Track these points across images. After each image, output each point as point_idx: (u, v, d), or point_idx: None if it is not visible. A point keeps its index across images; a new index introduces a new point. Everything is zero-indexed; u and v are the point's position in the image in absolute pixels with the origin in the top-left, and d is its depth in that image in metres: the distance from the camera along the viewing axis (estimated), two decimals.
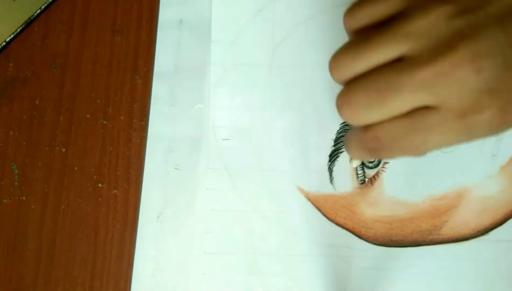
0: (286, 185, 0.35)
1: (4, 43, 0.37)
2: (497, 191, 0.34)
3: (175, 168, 0.35)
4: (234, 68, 0.37)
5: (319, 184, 0.35)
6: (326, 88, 0.36)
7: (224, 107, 0.36)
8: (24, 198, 0.35)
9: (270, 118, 0.36)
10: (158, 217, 0.35)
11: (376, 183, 0.35)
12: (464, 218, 0.34)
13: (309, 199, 0.35)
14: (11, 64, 0.37)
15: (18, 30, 0.38)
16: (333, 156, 0.35)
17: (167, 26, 0.38)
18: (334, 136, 0.35)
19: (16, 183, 0.36)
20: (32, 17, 0.38)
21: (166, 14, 0.38)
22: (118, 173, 0.36)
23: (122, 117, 0.36)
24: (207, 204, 0.35)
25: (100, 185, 0.36)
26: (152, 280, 0.34)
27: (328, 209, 0.35)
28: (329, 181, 0.35)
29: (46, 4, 0.38)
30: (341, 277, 0.34)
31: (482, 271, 0.33)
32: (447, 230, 0.34)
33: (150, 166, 0.35)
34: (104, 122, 0.36)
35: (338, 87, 0.35)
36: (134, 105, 0.37)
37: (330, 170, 0.35)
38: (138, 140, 0.36)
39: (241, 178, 0.35)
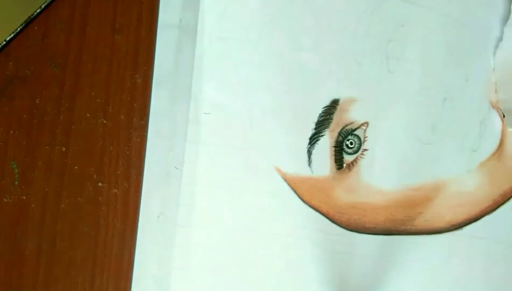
0: (264, 164, 0.35)
1: (4, 42, 0.37)
2: (475, 186, 0.34)
3: (175, 167, 0.35)
4: (220, 41, 0.37)
5: (297, 166, 0.35)
6: (312, 71, 0.36)
7: (207, 80, 0.36)
8: (24, 197, 0.35)
9: (252, 96, 0.36)
10: (158, 217, 0.35)
11: (354, 169, 0.35)
12: (439, 211, 0.34)
13: (286, 180, 0.35)
14: (11, 63, 0.37)
15: (18, 29, 0.38)
16: (313, 139, 0.35)
17: (167, 25, 0.38)
18: (316, 119, 0.35)
19: (16, 182, 0.36)
20: (32, 16, 0.38)
21: (166, 13, 0.38)
22: (118, 172, 0.36)
23: (122, 117, 0.36)
24: (182, 178, 0.35)
25: (100, 184, 0.35)
26: (153, 279, 0.34)
27: (304, 191, 0.35)
28: (307, 163, 0.35)
29: (46, 3, 0.38)
30: (311, 259, 0.34)
31: (453, 266, 0.34)
32: (421, 222, 0.34)
33: (150, 165, 0.35)
34: (104, 121, 0.36)
35: (325, 71, 0.35)
36: (134, 105, 0.37)
37: (309, 153, 0.35)
38: (138, 140, 0.36)
39: (219, 154, 0.35)
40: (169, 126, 0.36)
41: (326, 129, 0.35)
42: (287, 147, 0.35)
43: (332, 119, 0.35)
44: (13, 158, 0.36)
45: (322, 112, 0.35)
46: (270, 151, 0.35)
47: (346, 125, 0.35)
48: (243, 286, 0.34)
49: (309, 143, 0.35)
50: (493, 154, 0.35)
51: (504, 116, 0.35)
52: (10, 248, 0.35)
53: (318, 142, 0.35)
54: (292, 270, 0.34)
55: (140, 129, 0.36)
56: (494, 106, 0.35)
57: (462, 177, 0.35)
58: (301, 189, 0.35)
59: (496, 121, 0.35)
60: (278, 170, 0.35)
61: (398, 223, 0.34)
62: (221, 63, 0.36)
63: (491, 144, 0.35)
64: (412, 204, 0.34)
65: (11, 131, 0.36)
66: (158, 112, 0.36)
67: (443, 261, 0.34)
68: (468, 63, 0.36)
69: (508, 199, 0.34)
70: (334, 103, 0.35)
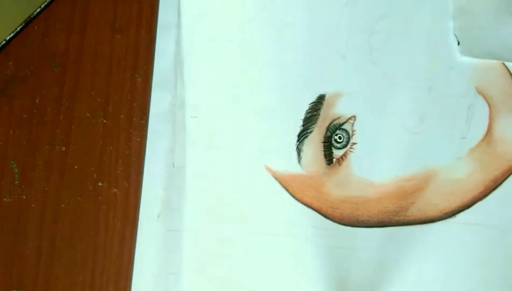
0: (253, 164, 0.35)
1: (4, 42, 0.37)
2: (466, 173, 0.34)
3: (175, 167, 0.35)
4: (204, 43, 0.36)
5: (287, 164, 0.35)
6: (297, 67, 0.36)
7: (193, 83, 0.36)
8: (24, 197, 0.35)
9: (239, 96, 0.36)
10: (158, 216, 0.35)
11: (344, 163, 0.35)
12: (432, 200, 0.34)
13: (276, 178, 0.35)
14: (11, 63, 0.37)
15: (18, 28, 0.38)
16: (302, 136, 0.35)
17: (167, 25, 0.38)
18: (303, 116, 0.35)
19: (16, 182, 0.36)
20: (32, 16, 0.38)
21: (166, 13, 0.38)
22: (118, 171, 0.36)
23: (122, 116, 0.36)
24: (172, 180, 0.35)
25: (100, 183, 0.35)
26: (152, 279, 0.34)
27: (296, 188, 0.35)
28: (297, 160, 0.35)
29: (46, 3, 0.38)
30: (306, 256, 0.34)
31: (448, 253, 0.33)
32: (414, 212, 0.34)
33: (150, 164, 0.35)
34: (104, 121, 0.36)
35: (310, 67, 0.35)
36: (134, 104, 0.37)
37: (299, 150, 0.35)
38: (138, 139, 0.36)
39: (208, 155, 0.35)
40: (169, 126, 0.36)
41: (313, 125, 0.35)
42: (275, 145, 0.35)
43: (319, 115, 0.35)
44: (13, 157, 0.36)
45: (309, 109, 0.35)
46: (259, 150, 0.35)
47: (334, 120, 0.35)
48: (239, 286, 0.34)
49: (298, 140, 0.35)
50: (482, 140, 0.35)
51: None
52: (10, 248, 0.35)
53: (306, 139, 0.35)
54: (287, 267, 0.34)
55: (140, 129, 0.36)
56: (480, 92, 0.35)
57: (452, 165, 0.34)
58: (292, 187, 0.35)
59: (483, 107, 0.35)
60: (268, 169, 0.35)
61: (391, 214, 0.34)
62: (207, 64, 0.36)
63: (480, 130, 0.35)
64: (404, 195, 0.34)
65: (11, 130, 0.36)
66: (158, 112, 0.36)
67: (437, 249, 0.33)
68: (451, 50, 0.36)
69: (500, 184, 0.34)
70: (321, 98, 0.35)
